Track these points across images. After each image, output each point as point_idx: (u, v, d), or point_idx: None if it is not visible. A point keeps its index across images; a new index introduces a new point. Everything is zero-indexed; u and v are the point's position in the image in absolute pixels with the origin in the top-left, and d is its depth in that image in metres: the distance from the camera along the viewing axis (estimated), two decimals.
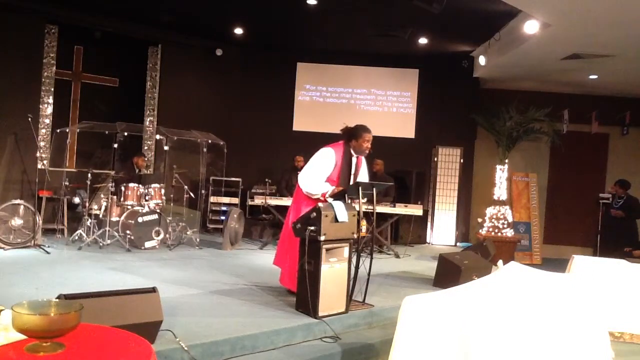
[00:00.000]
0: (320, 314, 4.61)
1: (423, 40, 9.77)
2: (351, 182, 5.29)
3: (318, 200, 5.13)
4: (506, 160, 9.64)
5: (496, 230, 9.19)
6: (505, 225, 9.23)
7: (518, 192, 10.77)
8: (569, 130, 10.74)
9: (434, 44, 9.98)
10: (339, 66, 11.33)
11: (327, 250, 4.69)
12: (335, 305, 4.76)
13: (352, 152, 5.40)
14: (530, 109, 9.43)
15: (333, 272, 4.74)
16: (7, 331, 1.76)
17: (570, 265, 5.53)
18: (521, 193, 10.80)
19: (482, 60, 10.03)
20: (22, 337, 1.76)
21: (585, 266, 5.44)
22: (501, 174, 9.64)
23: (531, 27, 7.60)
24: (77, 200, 8.79)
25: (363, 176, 5.59)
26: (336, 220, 4.75)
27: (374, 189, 5.50)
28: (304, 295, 4.71)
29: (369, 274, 5.26)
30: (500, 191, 9.61)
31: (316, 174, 5.25)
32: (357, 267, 5.15)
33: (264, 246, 8.82)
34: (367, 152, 5.36)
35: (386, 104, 11.37)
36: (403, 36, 9.18)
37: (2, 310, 1.75)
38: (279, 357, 4.05)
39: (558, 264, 7.30)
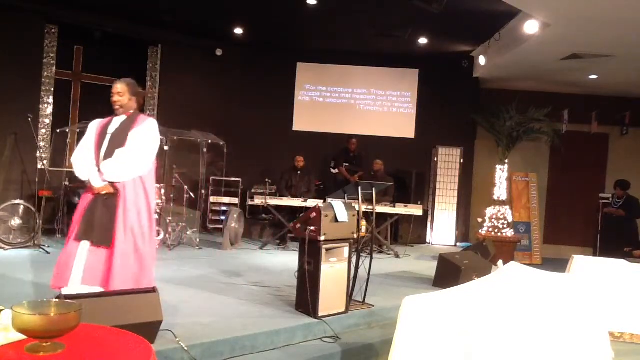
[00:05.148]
0: (320, 314, 4.61)
1: (423, 40, 9.78)
2: (104, 147, 4.15)
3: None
4: (506, 160, 9.64)
5: (496, 231, 9.19)
6: (505, 225, 9.22)
7: (518, 192, 10.76)
8: (569, 130, 10.74)
9: (434, 44, 9.98)
10: (339, 66, 11.33)
11: (327, 250, 4.70)
12: (335, 305, 4.77)
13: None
14: (530, 109, 9.43)
15: (333, 272, 4.75)
16: (7, 331, 1.76)
17: (570, 266, 5.53)
18: (521, 193, 10.80)
19: (482, 60, 10.04)
20: (22, 337, 1.76)
21: (585, 266, 5.44)
22: (501, 174, 9.63)
23: (531, 27, 7.61)
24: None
25: (132, 139, 4.13)
26: (336, 220, 4.76)
27: (373, 189, 5.52)
28: (303, 295, 4.71)
29: (368, 274, 5.27)
30: (500, 191, 9.61)
31: (77, 152, 4.34)
32: (357, 267, 5.16)
33: (264, 246, 8.82)
34: (114, 105, 4.28)
35: (386, 104, 11.37)
36: (402, 36, 9.18)
37: (2, 310, 1.75)
38: (279, 357, 4.05)
39: (558, 264, 7.31)
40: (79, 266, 3.94)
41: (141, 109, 4.32)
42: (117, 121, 4.27)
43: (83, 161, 4.17)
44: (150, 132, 4.21)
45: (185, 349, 3.64)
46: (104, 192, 4.02)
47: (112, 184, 4.02)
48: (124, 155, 4.04)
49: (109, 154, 4.08)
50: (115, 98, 4.27)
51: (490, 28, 9.00)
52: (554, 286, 3.64)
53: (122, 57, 10.25)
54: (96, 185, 4.03)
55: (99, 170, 4.07)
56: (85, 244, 3.96)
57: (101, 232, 3.96)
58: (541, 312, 3.25)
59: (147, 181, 4.18)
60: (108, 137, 4.18)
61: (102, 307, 3.33)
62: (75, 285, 3.89)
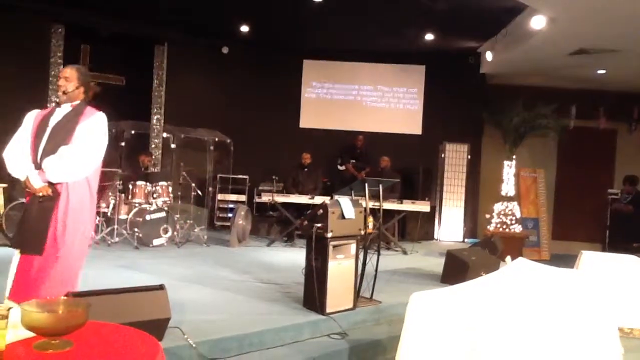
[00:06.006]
0: (328, 310, 4.61)
1: (429, 37, 9.75)
2: (43, 141, 3.60)
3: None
4: (513, 156, 9.61)
5: (504, 226, 9.16)
6: (513, 221, 9.20)
7: (526, 188, 10.72)
8: (577, 126, 10.69)
9: (440, 40, 9.95)
10: (346, 63, 11.31)
11: (334, 247, 4.70)
12: (342, 302, 4.77)
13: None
14: (537, 105, 9.39)
15: (340, 268, 4.75)
16: (17, 329, 1.77)
17: (579, 261, 5.51)
18: (529, 189, 10.76)
19: (488, 56, 9.99)
20: (31, 334, 1.77)
21: (594, 262, 5.42)
22: (508, 169, 9.61)
23: (538, 22, 7.56)
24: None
25: (79, 135, 3.60)
26: (343, 217, 4.76)
27: (380, 186, 5.52)
28: (311, 292, 4.71)
29: (376, 271, 5.27)
30: (507, 187, 9.58)
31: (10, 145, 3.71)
32: (364, 264, 5.16)
33: (271, 243, 8.84)
34: (58, 91, 3.78)
35: (393, 100, 11.34)
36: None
37: (11, 308, 1.76)
38: (287, 354, 4.06)
39: (566, 260, 7.27)
40: (10, 278, 3.48)
41: (88, 103, 3.83)
42: (60, 112, 3.72)
43: (19, 156, 3.59)
44: (99, 128, 3.68)
45: (194, 345, 3.65)
46: (40, 194, 3.48)
47: (51, 184, 3.49)
48: (71, 153, 3.50)
49: (49, 150, 3.53)
50: (61, 82, 3.74)
51: (496, 24, 8.95)
52: (563, 282, 3.63)
53: (129, 56, 10.28)
54: (35, 186, 3.48)
55: (36, 167, 3.53)
56: (17, 253, 3.51)
57: (31, 238, 3.45)
58: (550, 308, 3.23)
59: (92, 182, 3.72)
60: (49, 129, 3.62)
61: (110, 304, 3.34)
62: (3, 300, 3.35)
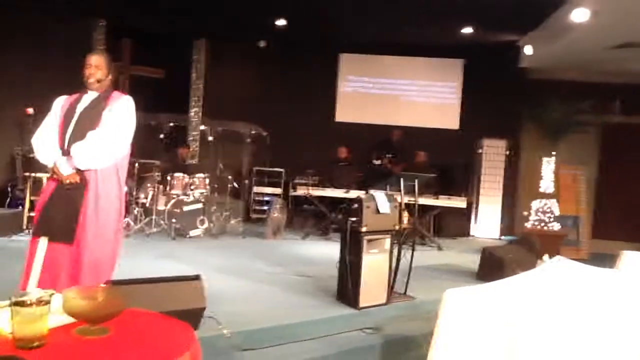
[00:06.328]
0: (361, 304, 4.62)
1: (468, 30, 9.61)
2: (71, 128, 3.53)
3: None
4: (553, 153, 9.41)
5: (542, 224, 8.99)
6: (551, 219, 9.02)
7: (565, 185, 10.47)
8: (621, 122, 10.39)
9: (479, 34, 9.80)
10: (383, 57, 11.24)
11: (369, 241, 4.69)
12: (375, 297, 4.77)
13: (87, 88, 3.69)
14: (578, 100, 9.16)
15: (374, 263, 4.74)
16: (59, 314, 1.83)
17: (620, 261, 5.38)
18: (569, 186, 10.51)
19: (528, 49, 9.79)
20: (71, 320, 1.82)
21: (636, 262, 5.27)
22: (548, 166, 9.41)
23: (580, 15, 7.38)
24: (124, 189, 8.99)
25: (107, 119, 3.54)
26: (378, 211, 4.75)
27: (416, 181, 5.48)
28: (345, 285, 4.73)
29: (410, 266, 5.24)
30: (546, 184, 9.39)
31: (39, 132, 3.65)
32: (398, 259, 5.14)
33: (306, 236, 8.87)
34: (89, 79, 3.63)
35: (430, 94, 11.24)
36: None
37: (53, 294, 1.81)
38: (319, 347, 4.07)
39: (606, 260, 7.08)
40: (37, 267, 3.40)
41: (115, 87, 3.82)
42: (87, 98, 3.66)
43: (47, 143, 3.56)
44: (127, 111, 3.64)
45: (228, 335, 3.70)
46: (67, 181, 3.41)
47: (79, 172, 3.45)
48: (99, 138, 3.46)
49: (76, 136, 3.48)
50: (92, 70, 3.63)
51: (537, 17, 8.76)
52: (604, 282, 3.55)
53: (169, 50, 10.42)
54: (64, 173, 3.42)
55: (64, 154, 3.48)
56: (44, 241, 3.41)
57: (61, 227, 3.39)
58: (590, 309, 3.17)
59: (121, 168, 3.70)
60: (76, 116, 3.57)
61: (148, 293, 3.41)
62: (32, 289, 3.13)
